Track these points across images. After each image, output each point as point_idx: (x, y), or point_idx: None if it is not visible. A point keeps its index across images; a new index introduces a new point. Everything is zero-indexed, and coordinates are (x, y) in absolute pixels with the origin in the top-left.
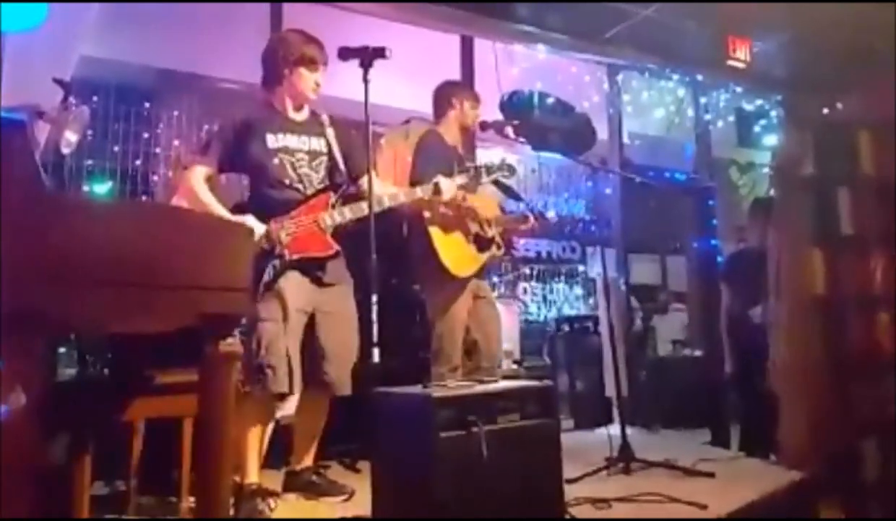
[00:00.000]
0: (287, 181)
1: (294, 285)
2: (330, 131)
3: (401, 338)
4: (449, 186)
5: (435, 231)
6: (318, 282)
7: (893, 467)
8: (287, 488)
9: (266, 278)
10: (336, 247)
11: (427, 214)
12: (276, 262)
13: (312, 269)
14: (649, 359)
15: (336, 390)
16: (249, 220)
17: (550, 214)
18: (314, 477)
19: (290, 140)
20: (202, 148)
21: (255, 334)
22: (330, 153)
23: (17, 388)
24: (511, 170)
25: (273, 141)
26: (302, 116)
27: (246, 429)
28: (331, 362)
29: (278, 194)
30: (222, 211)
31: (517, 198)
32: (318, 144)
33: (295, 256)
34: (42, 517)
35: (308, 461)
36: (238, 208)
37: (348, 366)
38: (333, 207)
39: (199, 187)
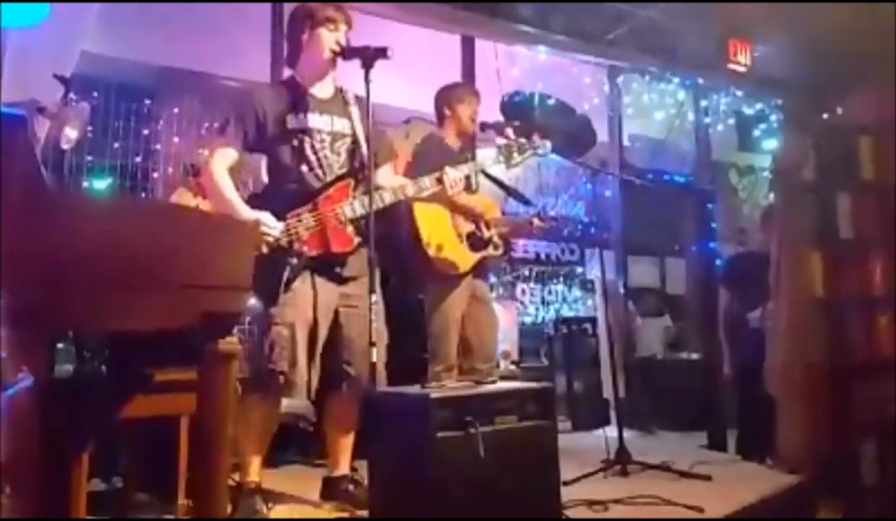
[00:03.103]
0: (305, 167)
1: (311, 287)
2: (354, 111)
3: (402, 338)
4: (454, 178)
5: (425, 228)
6: (339, 279)
7: (893, 469)
8: (324, 495)
9: (284, 279)
10: (356, 241)
11: (418, 210)
12: (294, 261)
13: (331, 266)
14: (647, 361)
15: (361, 384)
16: (266, 217)
17: (552, 213)
18: (350, 486)
19: (312, 119)
20: (221, 129)
21: (266, 338)
22: (354, 135)
23: (23, 371)
24: (543, 142)
25: (293, 121)
26: (326, 92)
27: (246, 428)
28: (355, 355)
29: (296, 180)
30: (242, 205)
31: (520, 198)
32: (340, 124)
33: (313, 253)
34: (39, 516)
35: (344, 466)
36: (255, 198)
37: (369, 359)
38: (354, 197)
39: (221, 179)
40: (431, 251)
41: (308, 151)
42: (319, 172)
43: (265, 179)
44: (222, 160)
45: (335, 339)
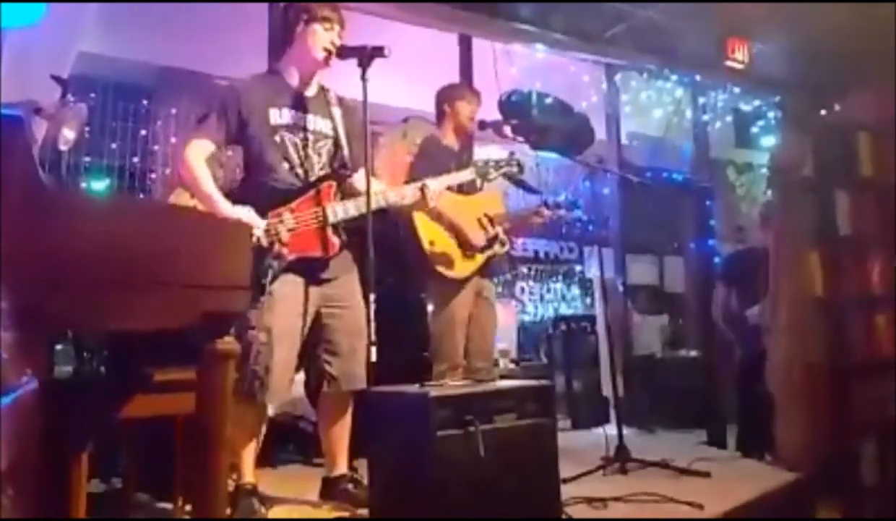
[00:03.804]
0: (286, 164)
1: (291, 289)
2: (336, 111)
3: (401, 337)
4: (435, 190)
5: (425, 234)
6: (319, 281)
7: (893, 469)
8: (323, 495)
9: (264, 281)
10: (338, 245)
11: (418, 214)
12: (274, 263)
13: (312, 269)
14: (646, 359)
15: (347, 384)
16: (248, 214)
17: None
18: (350, 485)
19: (296, 117)
20: (201, 120)
21: (243, 341)
22: (335, 137)
23: (26, 373)
24: (519, 166)
25: (276, 116)
26: (311, 90)
27: (241, 429)
28: (340, 357)
29: (276, 178)
30: (220, 198)
31: (531, 190)
32: (324, 124)
33: (293, 256)
34: (39, 516)
35: (342, 465)
36: (232, 194)
37: (360, 359)
38: (336, 201)
39: (197, 168)
40: (432, 255)
41: (289, 149)
42: (300, 170)
43: None
44: (198, 151)
45: (318, 340)
